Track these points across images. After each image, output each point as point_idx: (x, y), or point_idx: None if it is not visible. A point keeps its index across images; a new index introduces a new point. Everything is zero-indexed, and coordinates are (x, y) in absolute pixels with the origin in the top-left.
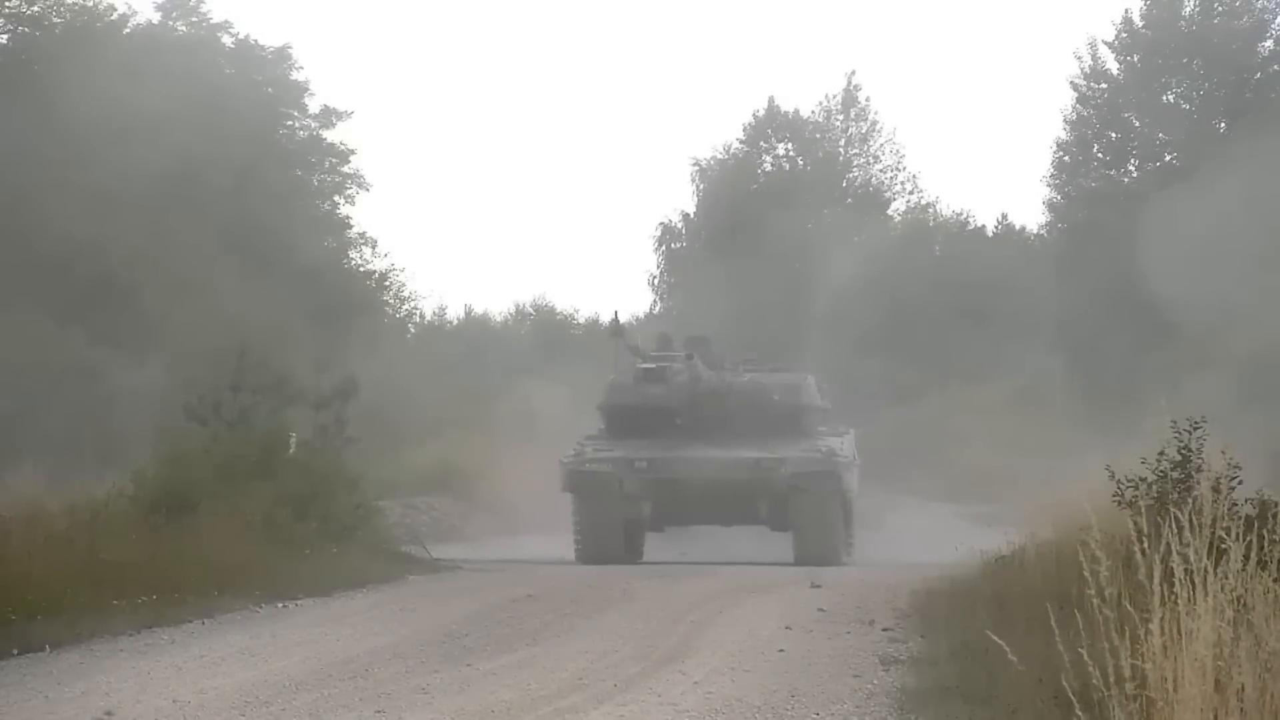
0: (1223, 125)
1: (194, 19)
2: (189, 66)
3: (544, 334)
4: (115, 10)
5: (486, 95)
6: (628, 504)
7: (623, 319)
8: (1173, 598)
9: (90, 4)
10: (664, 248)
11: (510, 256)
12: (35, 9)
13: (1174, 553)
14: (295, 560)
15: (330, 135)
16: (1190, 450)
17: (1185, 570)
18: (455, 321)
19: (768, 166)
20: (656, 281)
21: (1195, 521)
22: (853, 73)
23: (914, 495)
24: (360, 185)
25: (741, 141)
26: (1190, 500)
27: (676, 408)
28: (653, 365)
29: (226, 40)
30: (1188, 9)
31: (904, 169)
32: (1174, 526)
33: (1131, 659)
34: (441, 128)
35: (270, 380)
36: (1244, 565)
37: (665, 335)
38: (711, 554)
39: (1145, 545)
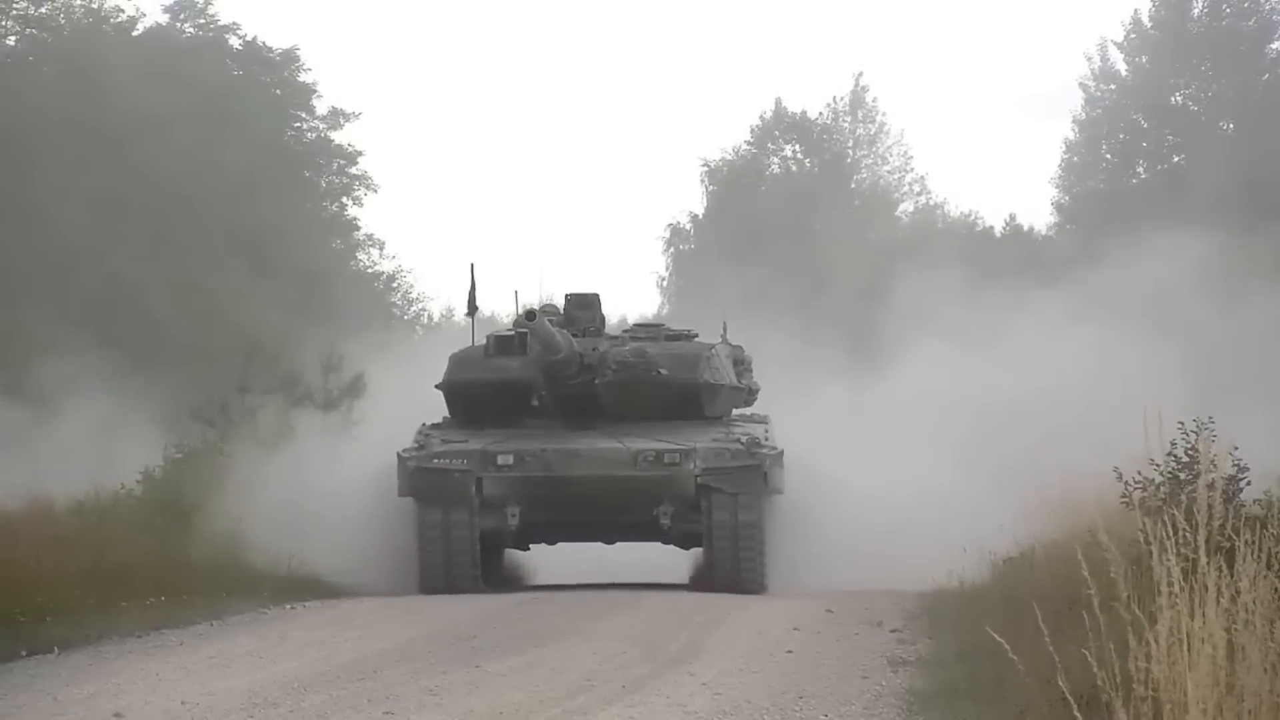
0: (1230, 126)
1: (202, 21)
2: (197, 68)
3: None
4: (123, 12)
5: (495, 96)
6: (487, 513)
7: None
8: (1174, 601)
9: (97, 6)
10: (672, 249)
11: (518, 257)
12: (43, 10)
13: (1170, 554)
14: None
15: (338, 137)
16: (1197, 450)
17: (1186, 571)
18: (463, 322)
19: (775, 168)
20: (665, 283)
21: (1193, 524)
22: (860, 74)
23: None
24: (368, 186)
25: (749, 143)
26: (1182, 501)
27: (534, 382)
28: (511, 333)
29: (234, 42)
30: (1196, 10)
31: (912, 170)
32: (1170, 529)
33: (1139, 661)
34: (450, 129)
35: (278, 381)
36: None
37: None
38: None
39: (1151, 547)
